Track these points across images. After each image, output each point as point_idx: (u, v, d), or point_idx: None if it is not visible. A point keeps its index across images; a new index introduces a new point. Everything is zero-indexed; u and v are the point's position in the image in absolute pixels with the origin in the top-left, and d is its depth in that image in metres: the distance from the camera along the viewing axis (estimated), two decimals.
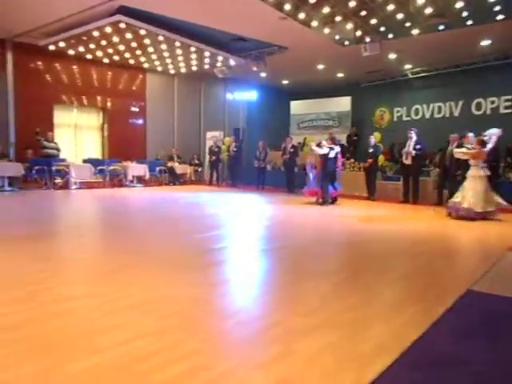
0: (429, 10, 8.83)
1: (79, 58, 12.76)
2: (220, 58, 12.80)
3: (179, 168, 14.50)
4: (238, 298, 3.16)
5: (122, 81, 14.45)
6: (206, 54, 12.27)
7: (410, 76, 14.95)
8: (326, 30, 10.05)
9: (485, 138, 7.68)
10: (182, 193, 11.83)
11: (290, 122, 17.65)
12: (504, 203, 7.42)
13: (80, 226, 6.29)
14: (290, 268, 4.06)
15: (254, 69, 12.79)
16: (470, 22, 9.50)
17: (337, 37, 10.64)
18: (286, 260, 4.41)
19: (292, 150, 12.95)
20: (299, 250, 4.89)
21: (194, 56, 12.61)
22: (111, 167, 12.71)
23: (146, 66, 14.15)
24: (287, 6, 8.79)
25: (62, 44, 11.48)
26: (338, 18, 9.39)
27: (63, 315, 2.60)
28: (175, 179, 14.42)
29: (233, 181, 14.54)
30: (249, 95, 16.86)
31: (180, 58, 12.98)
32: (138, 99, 14.86)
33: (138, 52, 12.33)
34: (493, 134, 7.68)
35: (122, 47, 11.76)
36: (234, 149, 14.34)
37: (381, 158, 11.52)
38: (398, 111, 15.72)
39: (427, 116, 14.94)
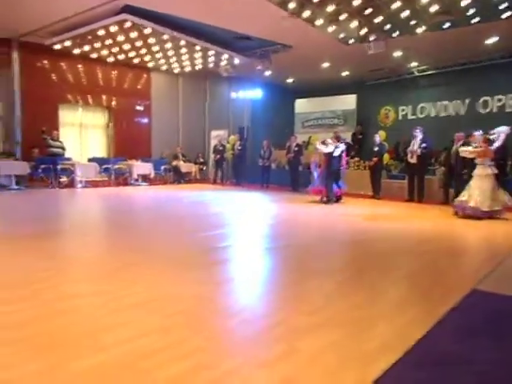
0: (435, 8, 8.77)
1: (84, 57, 12.79)
2: (225, 57, 12.79)
3: (184, 167, 14.51)
4: (242, 297, 3.17)
5: (127, 80, 14.48)
6: (211, 52, 12.26)
7: (416, 74, 14.84)
8: (331, 29, 10.02)
9: (493, 136, 7.62)
10: (186, 191, 11.85)
11: (295, 121, 17.58)
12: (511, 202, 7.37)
13: (85, 225, 6.33)
14: (294, 266, 4.06)
15: (259, 67, 12.76)
16: (475, 20, 9.43)
17: (341, 35, 10.60)
18: (290, 258, 4.41)
19: (296, 148, 12.92)
20: (303, 249, 4.88)
21: (198, 55, 12.59)
22: (116, 166, 12.75)
23: (150, 65, 14.17)
24: (291, 5, 8.76)
25: (67, 43, 11.51)
26: (342, 17, 9.36)
27: (68, 313, 2.62)
28: (180, 178, 14.44)
29: (237, 179, 14.53)
30: (253, 94, 16.79)
31: (185, 57, 12.97)
32: (142, 98, 14.89)
33: (143, 51, 12.34)
34: (501, 132, 7.61)
35: (127, 46, 11.77)
36: (239, 147, 14.35)
37: (386, 156, 11.49)
38: (403, 110, 15.61)
39: (433, 114, 14.83)
